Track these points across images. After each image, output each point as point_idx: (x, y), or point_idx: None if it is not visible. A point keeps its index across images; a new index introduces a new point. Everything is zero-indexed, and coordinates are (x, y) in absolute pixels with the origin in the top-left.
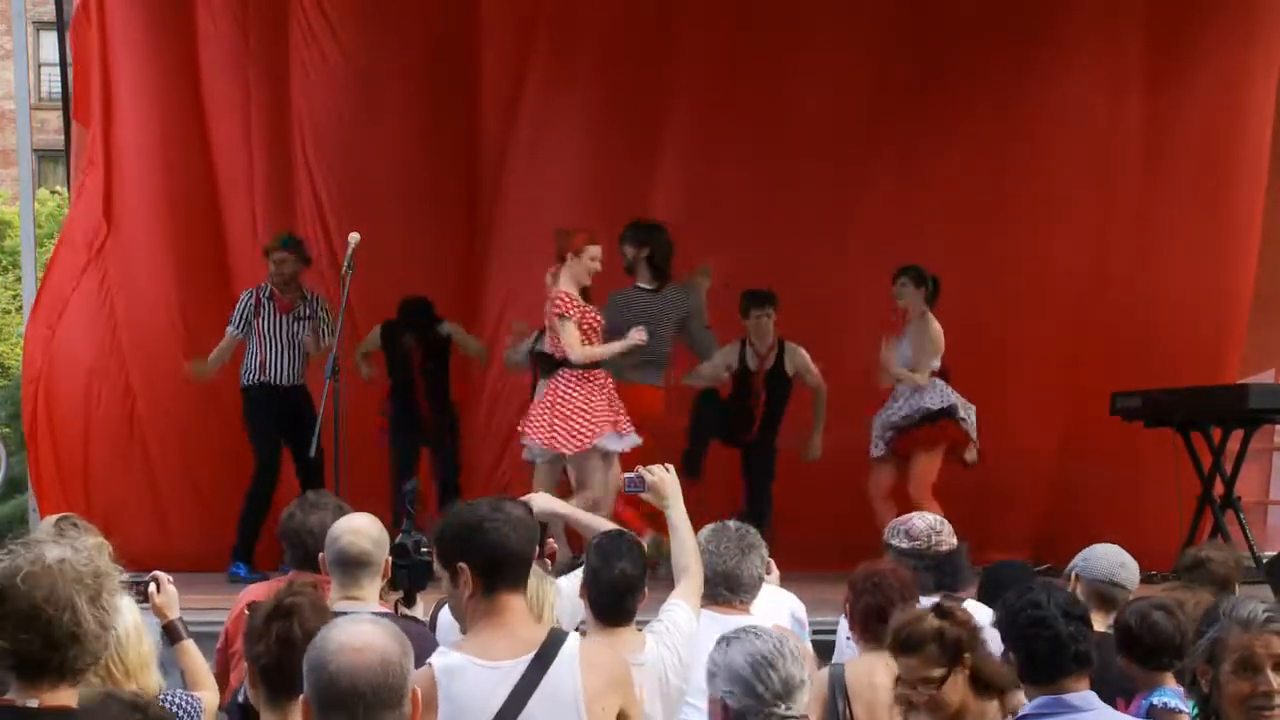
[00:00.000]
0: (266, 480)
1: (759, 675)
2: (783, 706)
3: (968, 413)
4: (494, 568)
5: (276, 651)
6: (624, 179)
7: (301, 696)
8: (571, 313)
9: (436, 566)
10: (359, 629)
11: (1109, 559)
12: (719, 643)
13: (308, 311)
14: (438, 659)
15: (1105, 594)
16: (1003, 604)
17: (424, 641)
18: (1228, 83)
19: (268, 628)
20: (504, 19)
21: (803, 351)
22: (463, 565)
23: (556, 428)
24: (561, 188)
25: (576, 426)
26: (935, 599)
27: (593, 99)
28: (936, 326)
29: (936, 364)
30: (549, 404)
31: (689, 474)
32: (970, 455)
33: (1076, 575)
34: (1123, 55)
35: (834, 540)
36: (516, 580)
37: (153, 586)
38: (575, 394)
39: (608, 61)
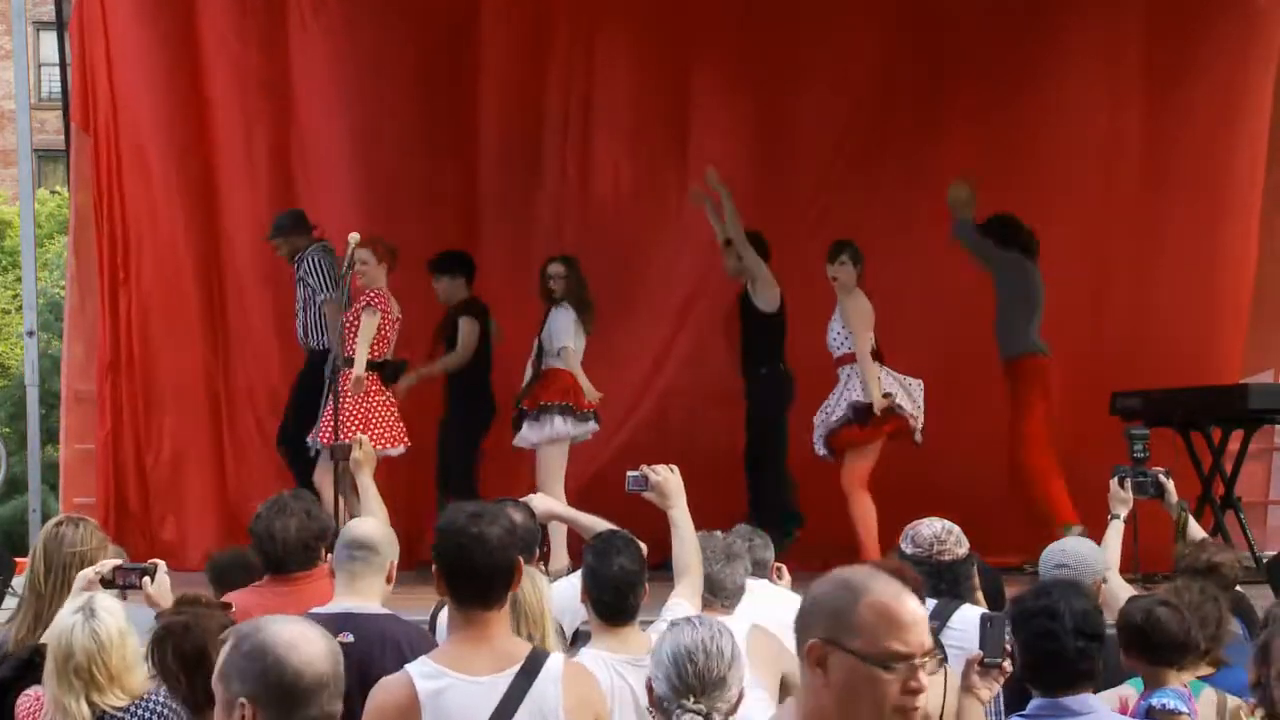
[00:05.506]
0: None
1: (678, 665)
2: (691, 700)
3: (911, 392)
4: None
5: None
6: (653, 186)
7: (240, 700)
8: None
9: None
10: (295, 627)
11: (1047, 561)
12: (669, 625)
13: (300, 272)
14: (418, 673)
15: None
16: (1019, 601)
17: (423, 641)
18: (1226, 87)
19: (153, 651)
20: (509, 23)
21: None
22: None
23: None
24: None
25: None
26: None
27: (614, 105)
28: (866, 300)
29: (870, 339)
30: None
31: None
32: (917, 436)
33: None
34: (1123, 62)
35: (849, 540)
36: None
37: (146, 578)
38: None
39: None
